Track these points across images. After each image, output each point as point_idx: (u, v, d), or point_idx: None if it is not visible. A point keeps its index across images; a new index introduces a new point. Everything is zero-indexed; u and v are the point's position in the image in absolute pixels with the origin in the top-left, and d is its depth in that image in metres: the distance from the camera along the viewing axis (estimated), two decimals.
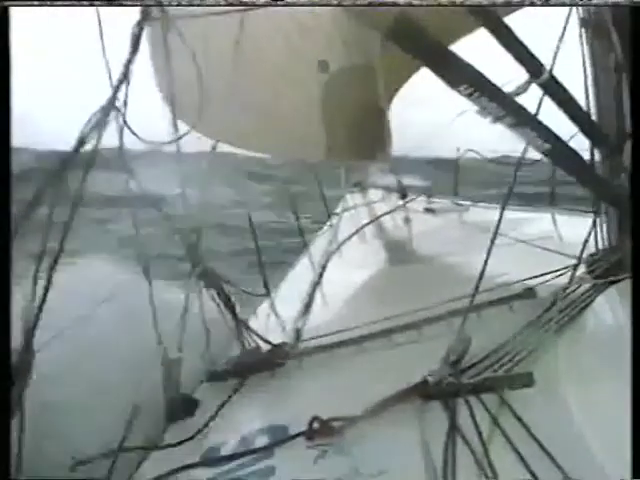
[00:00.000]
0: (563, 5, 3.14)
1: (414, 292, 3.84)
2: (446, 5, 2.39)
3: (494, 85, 2.93)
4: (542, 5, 2.41)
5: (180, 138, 3.02)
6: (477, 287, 2.74)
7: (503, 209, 3.00)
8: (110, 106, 2.67)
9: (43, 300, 2.24)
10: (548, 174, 5.45)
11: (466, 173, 7.26)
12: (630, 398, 1.60)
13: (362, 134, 5.12)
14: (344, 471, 2.10)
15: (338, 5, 2.17)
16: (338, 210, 6.07)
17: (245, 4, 2.57)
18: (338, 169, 6.52)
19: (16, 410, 2.00)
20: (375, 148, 5.45)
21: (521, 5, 2.52)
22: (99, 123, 2.63)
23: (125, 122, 2.70)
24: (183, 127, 3.14)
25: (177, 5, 2.79)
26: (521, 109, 2.96)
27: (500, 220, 2.93)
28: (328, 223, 5.88)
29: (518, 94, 3.03)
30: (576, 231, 3.48)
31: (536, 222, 5.33)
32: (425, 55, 2.89)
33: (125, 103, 2.71)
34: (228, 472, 2.27)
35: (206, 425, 2.66)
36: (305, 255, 5.09)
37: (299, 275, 4.79)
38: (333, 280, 4.14)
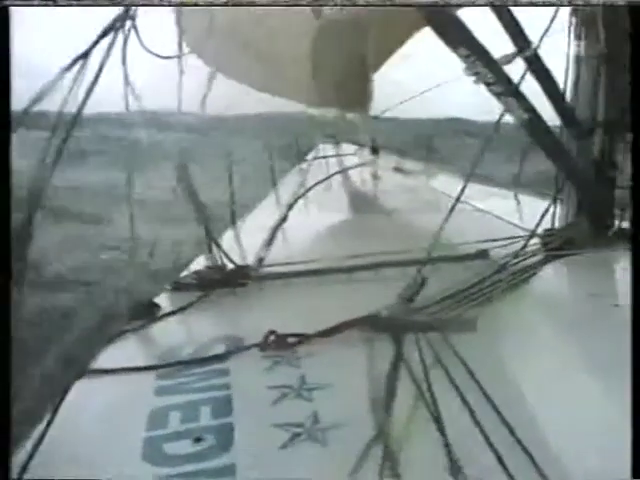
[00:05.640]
0: (564, 5, 3.28)
1: (373, 239, 4.01)
2: (444, 5, 2.49)
3: (488, 52, 3.08)
4: (543, 5, 2.53)
5: (182, 55, 3.11)
6: (436, 239, 2.90)
7: (468, 179, 3.17)
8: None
9: None
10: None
11: (442, 139, 7.41)
12: (630, 397, 1.72)
13: (346, 84, 5.24)
14: (292, 380, 2.24)
15: (335, 5, 2.22)
16: (309, 157, 6.18)
17: (241, 4, 2.65)
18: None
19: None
20: (356, 100, 5.59)
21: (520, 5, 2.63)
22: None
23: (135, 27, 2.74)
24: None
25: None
26: (508, 79, 3.13)
27: (465, 187, 3.10)
28: (298, 167, 5.98)
29: (503, 64, 3.20)
30: (536, 211, 3.68)
31: (499, 198, 5.54)
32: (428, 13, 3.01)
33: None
34: (184, 368, 2.41)
35: (159, 319, 2.81)
36: (272, 193, 5.21)
37: (265, 211, 4.91)
38: (296, 221, 4.27)
